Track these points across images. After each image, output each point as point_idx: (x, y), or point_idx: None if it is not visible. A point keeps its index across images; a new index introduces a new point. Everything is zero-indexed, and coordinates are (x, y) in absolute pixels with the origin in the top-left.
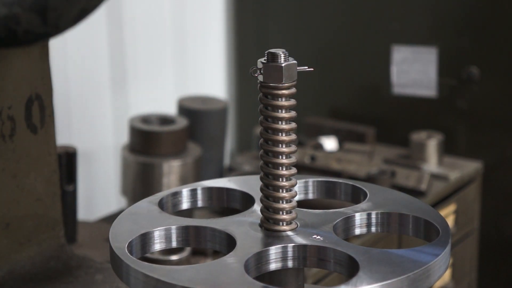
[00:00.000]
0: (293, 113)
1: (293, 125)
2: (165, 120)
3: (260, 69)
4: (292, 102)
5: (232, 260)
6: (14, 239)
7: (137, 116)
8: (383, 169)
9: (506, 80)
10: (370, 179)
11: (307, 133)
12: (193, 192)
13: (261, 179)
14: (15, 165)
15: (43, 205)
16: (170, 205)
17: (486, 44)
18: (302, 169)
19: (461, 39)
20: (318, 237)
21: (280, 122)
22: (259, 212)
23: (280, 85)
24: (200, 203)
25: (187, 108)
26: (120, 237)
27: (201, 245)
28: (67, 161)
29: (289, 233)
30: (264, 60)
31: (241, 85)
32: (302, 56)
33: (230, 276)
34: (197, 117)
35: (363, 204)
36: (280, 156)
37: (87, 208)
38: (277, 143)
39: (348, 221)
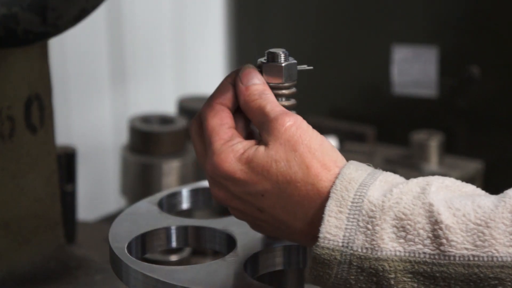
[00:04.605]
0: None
1: None
2: (165, 120)
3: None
4: (293, 102)
5: (232, 260)
6: (14, 240)
7: (137, 116)
8: (384, 169)
9: (507, 79)
10: None
11: None
12: (193, 193)
13: None
14: (15, 165)
15: (43, 206)
16: (169, 205)
17: (486, 43)
18: None
19: (462, 38)
20: None
21: None
22: None
23: (281, 85)
24: (200, 204)
25: (187, 108)
26: (120, 238)
27: (201, 245)
28: (67, 161)
29: None
30: (264, 60)
31: None
32: (302, 56)
33: (230, 276)
34: None
35: None
36: None
37: (87, 208)
38: None
39: None
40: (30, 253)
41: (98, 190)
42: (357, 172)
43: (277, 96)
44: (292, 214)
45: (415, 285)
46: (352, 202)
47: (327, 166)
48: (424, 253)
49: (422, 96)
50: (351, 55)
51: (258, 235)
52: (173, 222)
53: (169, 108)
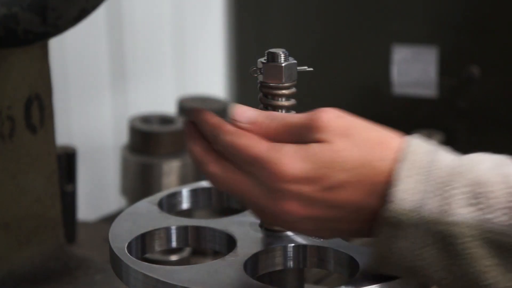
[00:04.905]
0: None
1: None
2: (165, 120)
3: (260, 69)
4: (292, 102)
5: (232, 260)
6: (14, 240)
7: (137, 116)
8: None
9: (507, 79)
10: None
11: None
12: (193, 193)
13: None
14: (15, 165)
15: (43, 206)
16: (169, 205)
17: (486, 43)
18: None
19: (462, 38)
20: None
21: None
22: None
23: (280, 85)
24: (200, 204)
25: (187, 108)
26: (120, 237)
27: (201, 245)
28: (67, 161)
29: (289, 233)
30: (264, 60)
31: (241, 85)
32: (302, 56)
33: (230, 276)
34: None
35: None
36: None
37: (87, 208)
38: None
39: None
40: (30, 253)
41: (98, 190)
42: (424, 141)
43: (277, 96)
44: (368, 193)
45: (483, 252)
46: (424, 166)
47: (387, 140)
48: (497, 222)
49: (422, 96)
50: (351, 55)
51: (258, 235)
52: (173, 222)
53: (169, 108)
